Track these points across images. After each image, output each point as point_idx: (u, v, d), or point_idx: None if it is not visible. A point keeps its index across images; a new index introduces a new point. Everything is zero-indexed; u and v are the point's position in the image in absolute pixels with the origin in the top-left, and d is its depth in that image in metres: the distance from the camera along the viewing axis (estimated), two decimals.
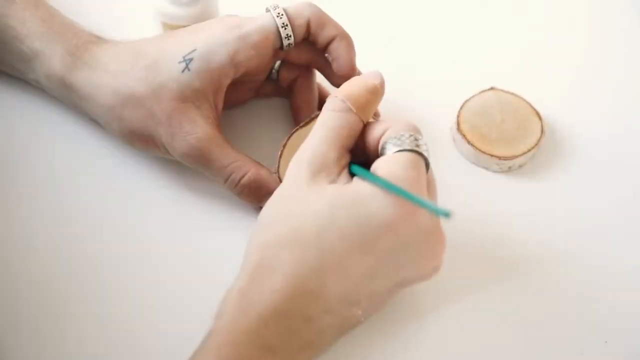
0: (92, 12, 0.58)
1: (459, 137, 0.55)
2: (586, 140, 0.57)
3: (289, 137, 0.50)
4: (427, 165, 0.43)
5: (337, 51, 0.50)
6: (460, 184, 0.54)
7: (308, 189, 0.42)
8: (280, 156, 0.50)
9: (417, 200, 0.40)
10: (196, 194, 0.52)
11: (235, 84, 0.51)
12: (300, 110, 0.54)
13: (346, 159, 0.44)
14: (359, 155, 0.45)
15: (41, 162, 0.53)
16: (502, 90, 0.57)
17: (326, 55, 0.51)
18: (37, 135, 0.54)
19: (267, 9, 0.50)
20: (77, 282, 0.48)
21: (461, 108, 0.56)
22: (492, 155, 0.54)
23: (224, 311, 0.40)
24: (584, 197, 0.54)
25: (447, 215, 0.38)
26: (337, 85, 0.53)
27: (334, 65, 0.51)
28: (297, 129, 0.51)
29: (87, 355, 0.45)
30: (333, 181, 0.42)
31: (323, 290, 0.40)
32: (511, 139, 0.54)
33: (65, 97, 0.52)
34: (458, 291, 0.49)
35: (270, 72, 0.55)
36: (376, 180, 0.41)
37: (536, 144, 0.54)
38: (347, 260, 0.40)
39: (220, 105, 0.50)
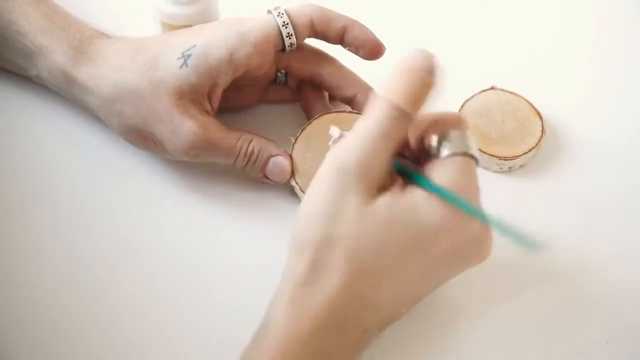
0: (91, 12, 0.58)
1: None
2: (587, 140, 0.56)
3: (302, 131, 0.51)
4: (477, 163, 0.42)
5: (356, 39, 0.50)
6: None
7: (358, 200, 0.40)
8: (292, 149, 0.50)
9: (495, 224, 0.41)
10: (197, 193, 0.52)
11: (238, 87, 0.51)
12: (312, 107, 0.54)
13: (392, 159, 0.42)
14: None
15: (41, 158, 0.53)
16: (503, 90, 0.57)
17: (347, 49, 0.51)
18: (37, 131, 0.54)
19: (268, 11, 0.50)
20: (76, 281, 0.48)
21: (461, 108, 0.56)
22: (492, 156, 0.54)
23: (274, 319, 0.40)
24: (585, 197, 0.54)
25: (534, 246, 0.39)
26: (343, 100, 0.53)
27: (361, 53, 0.51)
28: (310, 122, 0.51)
29: (88, 356, 0.45)
30: (383, 187, 0.41)
31: (376, 294, 0.40)
32: (512, 139, 0.54)
33: (67, 91, 0.52)
34: (457, 291, 0.49)
35: (276, 76, 0.55)
36: (438, 192, 0.40)
37: (537, 144, 0.54)
38: (402, 264, 0.40)
39: (217, 104, 0.50)
